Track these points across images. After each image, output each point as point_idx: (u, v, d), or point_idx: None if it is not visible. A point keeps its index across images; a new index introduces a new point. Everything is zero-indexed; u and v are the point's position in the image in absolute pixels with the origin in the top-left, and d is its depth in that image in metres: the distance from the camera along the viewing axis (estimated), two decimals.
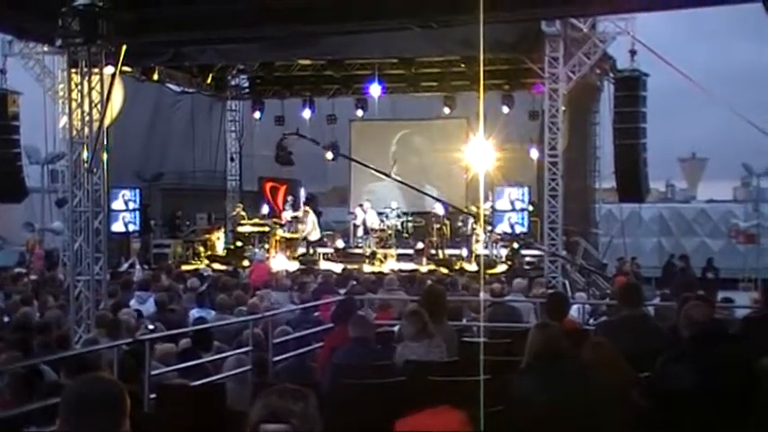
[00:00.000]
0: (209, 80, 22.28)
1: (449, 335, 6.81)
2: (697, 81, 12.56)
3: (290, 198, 22.39)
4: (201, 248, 21.56)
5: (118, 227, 19.64)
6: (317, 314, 10.56)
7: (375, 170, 16.88)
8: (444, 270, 18.51)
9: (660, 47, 14.30)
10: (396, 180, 17.51)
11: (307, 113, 23.07)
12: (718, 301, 10.71)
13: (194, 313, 10.76)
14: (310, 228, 20.93)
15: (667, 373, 4.83)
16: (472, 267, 18.71)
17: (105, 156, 11.44)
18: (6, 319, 10.94)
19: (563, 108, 15.90)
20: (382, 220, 21.14)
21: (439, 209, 20.65)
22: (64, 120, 15.94)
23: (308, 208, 21.44)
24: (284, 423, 2.41)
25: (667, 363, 4.91)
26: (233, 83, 24.94)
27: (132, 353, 6.73)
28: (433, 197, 14.94)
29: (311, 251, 20.84)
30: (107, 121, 11.47)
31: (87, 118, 11.32)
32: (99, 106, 11.36)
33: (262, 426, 2.41)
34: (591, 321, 10.10)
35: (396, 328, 8.04)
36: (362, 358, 6.23)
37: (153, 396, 6.19)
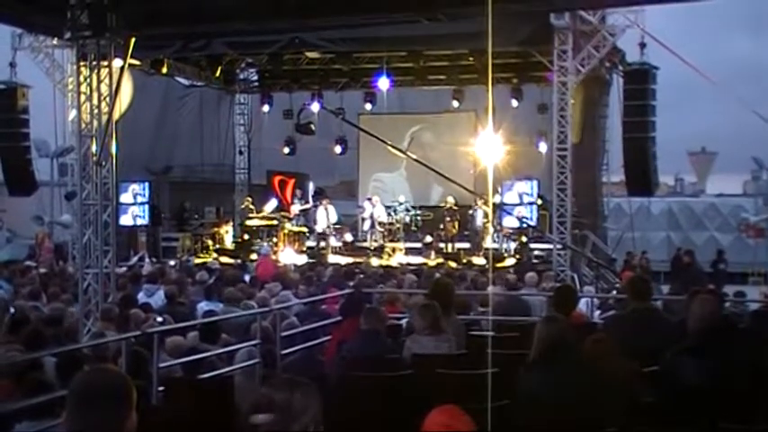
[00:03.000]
0: (217, 73, 22.28)
1: (457, 328, 6.81)
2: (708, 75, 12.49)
3: (298, 192, 22.40)
4: (210, 242, 21.60)
5: (126, 220, 19.70)
6: (324, 307, 10.56)
7: (395, 147, 16.79)
8: (453, 263, 18.50)
9: (669, 40, 14.24)
10: (412, 159, 17.33)
11: (315, 107, 23.05)
12: (728, 295, 10.68)
13: (203, 306, 10.77)
14: (325, 222, 20.94)
15: (675, 368, 4.81)
16: (480, 261, 18.69)
17: (114, 149, 11.46)
18: (12, 311, 10.96)
19: (572, 101, 15.85)
20: (390, 214, 21.13)
21: (450, 200, 20.60)
22: (73, 113, 15.96)
23: (326, 201, 21.41)
24: (266, 413, 2.44)
25: (674, 357, 4.89)
26: (242, 76, 24.95)
27: (140, 345, 6.74)
28: (455, 182, 14.66)
29: (320, 245, 20.84)
30: (116, 115, 11.48)
31: (96, 111, 11.33)
32: (108, 99, 11.37)
33: (251, 417, 2.45)
34: (599, 315, 10.08)
35: (403, 322, 8.05)
36: (372, 350, 6.23)
37: (161, 389, 6.20)
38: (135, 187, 20.06)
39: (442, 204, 21.15)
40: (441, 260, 19.27)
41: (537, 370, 4.83)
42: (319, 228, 21.04)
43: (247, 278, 14.26)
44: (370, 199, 21.67)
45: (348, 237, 21.64)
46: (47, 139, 20.40)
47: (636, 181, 17.02)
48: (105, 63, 11.34)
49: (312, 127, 18.83)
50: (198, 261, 19.59)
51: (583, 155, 17.56)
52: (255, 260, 18.83)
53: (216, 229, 22.08)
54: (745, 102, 12.35)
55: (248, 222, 21.50)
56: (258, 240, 20.92)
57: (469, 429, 3.08)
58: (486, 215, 19.72)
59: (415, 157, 17.84)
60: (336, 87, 23.21)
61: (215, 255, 20.72)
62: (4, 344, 7.24)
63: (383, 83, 20.98)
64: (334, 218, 21.18)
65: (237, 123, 25.54)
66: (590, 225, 18.65)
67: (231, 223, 22.70)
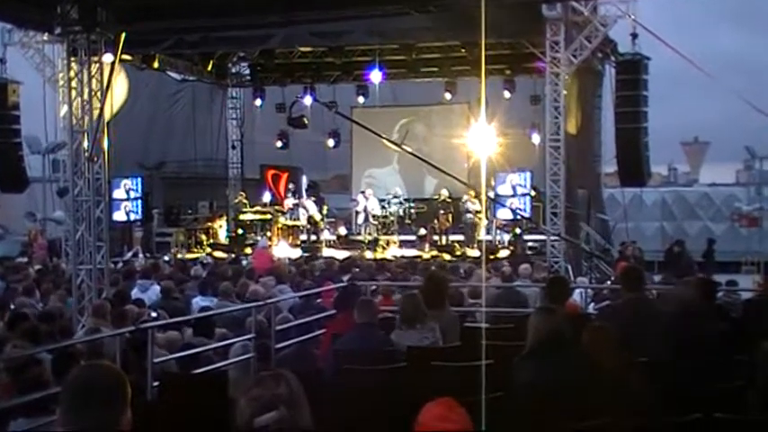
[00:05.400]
0: (209, 68, 22.22)
1: (450, 320, 6.81)
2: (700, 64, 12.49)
3: (291, 185, 22.38)
4: (204, 237, 21.58)
5: (119, 216, 19.65)
6: (319, 301, 10.56)
7: (388, 140, 16.75)
8: (446, 256, 18.51)
9: (659, 31, 14.23)
10: (408, 152, 17.33)
11: (308, 100, 23.00)
12: (720, 284, 10.70)
13: (198, 301, 10.76)
14: (303, 221, 20.90)
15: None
16: (474, 253, 18.71)
17: (106, 144, 11.43)
18: (12, 307, 10.93)
19: (565, 92, 15.84)
20: (384, 207, 21.14)
21: (444, 193, 20.60)
22: (64, 109, 15.90)
23: (299, 200, 21.34)
24: (273, 410, 2.41)
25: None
26: (234, 70, 24.88)
27: (134, 341, 6.73)
28: (450, 174, 14.58)
29: (313, 238, 20.84)
30: (112, 112, 11.48)
31: (87, 107, 11.31)
32: (99, 95, 11.35)
33: (255, 420, 2.41)
34: (593, 306, 10.11)
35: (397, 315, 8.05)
36: (367, 343, 6.23)
37: (155, 384, 6.20)
38: (127, 182, 20.01)
39: (436, 197, 21.15)
40: (435, 252, 19.28)
41: (532, 361, 4.84)
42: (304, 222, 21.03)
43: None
44: (363, 192, 21.66)
45: (342, 230, 21.64)
46: (38, 135, 20.32)
47: (628, 171, 17.04)
48: (96, 58, 11.32)
49: (305, 120, 18.74)
50: (191, 256, 19.57)
51: (577, 146, 17.58)
52: (250, 254, 18.83)
53: (209, 224, 22.05)
54: (740, 93, 12.37)
55: (242, 217, 21.49)
56: (252, 234, 20.92)
57: (465, 421, 3.08)
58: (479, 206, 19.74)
59: (410, 150, 17.83)
60: (329, 81, 23.16)
61: (209, 249, 20.70)
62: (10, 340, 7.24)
63: (375, 76, 20.94)
64: (316, 214, 21.05)
65: (230, 117, 25.49)
66: (586, 216, 18.69)
67: (225, 218, 22.68)
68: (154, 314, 9.35)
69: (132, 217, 20.16)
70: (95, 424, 2.56)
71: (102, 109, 11.20)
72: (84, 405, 2.58)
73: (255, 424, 2.41)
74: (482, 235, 19.44)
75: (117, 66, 11.97)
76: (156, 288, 11.77)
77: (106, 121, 11.31)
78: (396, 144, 18.05)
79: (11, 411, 5.09)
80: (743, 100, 11.69)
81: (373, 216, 20.87)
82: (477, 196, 19.04)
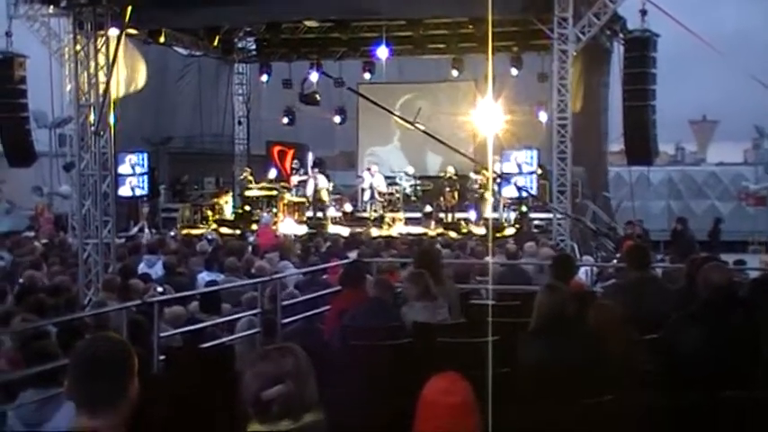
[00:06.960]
0: (216, 43, 22.13)
1: (453, 295, 6.81)
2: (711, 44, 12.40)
3: (296, 162, 22.36)
4: (209, 212, 21.60)
5: (125, 191, 19.67)
6: (325, 277, 10.58)
7: (401, 118, 16.69)
8: (452, 233, 18.51)
9: (669, 8, 14.10)
10: (421, 131, 17.23)
11: (314, 76, 22.93)
12: (727, 264, 10.67)
13: (204, 276, 10.79)
14: (310, 193, 20.88)
15: (679, 335, 4.80)
16: (480, 230, 18.70)
17: (112, 119, 11.43)
18: (20, 281, 10.97)
19: (571, 69, 15.74)
20: (396, 183, 21.14)
21: (450, 170, 20.55)
22: (71, 83, 15.87)
23: (312, 172, 21.31)
24: (280, 384, 2.42)
25: (679, 324, 4.89)
26: (240, 45, 24.77)
27: (141, 315, 6.76)
28: (459, 151, 14.39)
29: (319, 215, 20.83)
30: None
31: (93, 80, 11.30)
32: (105, 69, 11.33)
33: (261, 394, 2.41)
34: (598, 284, 10.11)
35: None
36: (378, 318, 6.25)
37: (162, 358, 6.23)
38: (132, 158, 19.99)
39: (442, 174, 21.11)
40: (441, 230, 19.28)
41: (538, 338, 4.84)
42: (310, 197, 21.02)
43: (250, 249, 14.25)
44: (369, 169, 21.62)
45: (348, 207, 21.63)
46: (45, 109, 20.30)
47: (635, 150, 16.95)
48: (102, 32, 11.29)
49: (317, 96, 18.64)
50: (196, 232, 19.61)
51: (585, 124, 17.50)
52: (256, 230, 18.84)
53: (215, 200, 22.06)
54: (749, 71, 12.29)
55: (248, 193, 21.47)
56: (258, 211, 20.91)
57: (468, 395, 3.09)
58: (481, 185, 19.69)
59: (422, 128, 17.72)
60: (335, 57, 23.05)
61: (214, 225, 20.73)
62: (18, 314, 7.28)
63: (382, 52, 20.82)
64: (327, 187, 21.03)
65: (236, 93, 25.44)
66: (589, 194, 18.64)
67: (231, 194, 22.69)
68: (160, 289, 9.39)
69: (138, 192, 20.17)
70: (102, 394, 2.58)
71: (108, 83, 11.18)
72: (90, 376, 2.60)
73: (262, 398, 2.42)
74: (488, 212, 19.43)
75: (124, 39, 11.92)
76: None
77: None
78: (409, 122, 17.96)
79: (20, 383, 5.14)
80: (753, 78, 11.61)
81: (379, 193, 20.85)
82: (478, 173, 19.05)
